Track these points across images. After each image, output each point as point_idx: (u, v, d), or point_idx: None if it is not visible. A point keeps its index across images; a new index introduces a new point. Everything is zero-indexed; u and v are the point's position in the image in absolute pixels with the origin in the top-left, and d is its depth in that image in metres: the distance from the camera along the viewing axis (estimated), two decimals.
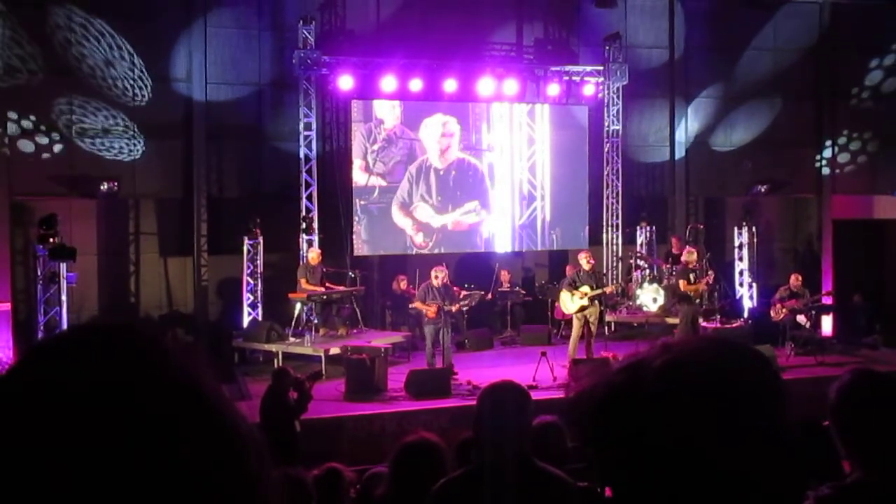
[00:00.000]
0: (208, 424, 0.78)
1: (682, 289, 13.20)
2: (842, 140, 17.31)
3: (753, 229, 16.31)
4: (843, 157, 17.31)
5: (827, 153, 17.28)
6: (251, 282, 14.18)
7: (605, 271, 16.02)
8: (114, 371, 0.77)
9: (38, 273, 12.24)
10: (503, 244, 15.84)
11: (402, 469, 3.68)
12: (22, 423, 0.74)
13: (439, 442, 3.81)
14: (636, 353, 1.05)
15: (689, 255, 13.39)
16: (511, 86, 15.48)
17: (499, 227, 15.74)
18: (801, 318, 13.69)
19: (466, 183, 15.46)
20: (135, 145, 14.30)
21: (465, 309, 13.73)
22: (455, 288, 12.98)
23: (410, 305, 13.15)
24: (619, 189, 16.49)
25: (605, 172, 16.45)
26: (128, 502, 0.72)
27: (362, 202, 14.85)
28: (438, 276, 12.18)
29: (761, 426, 0.98)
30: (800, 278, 14.07)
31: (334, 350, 12.54)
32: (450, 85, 15.08)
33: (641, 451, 0.97)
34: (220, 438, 0.79)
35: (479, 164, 15.52)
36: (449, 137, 15.25)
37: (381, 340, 12.81)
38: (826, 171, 17.25)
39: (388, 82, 14.74)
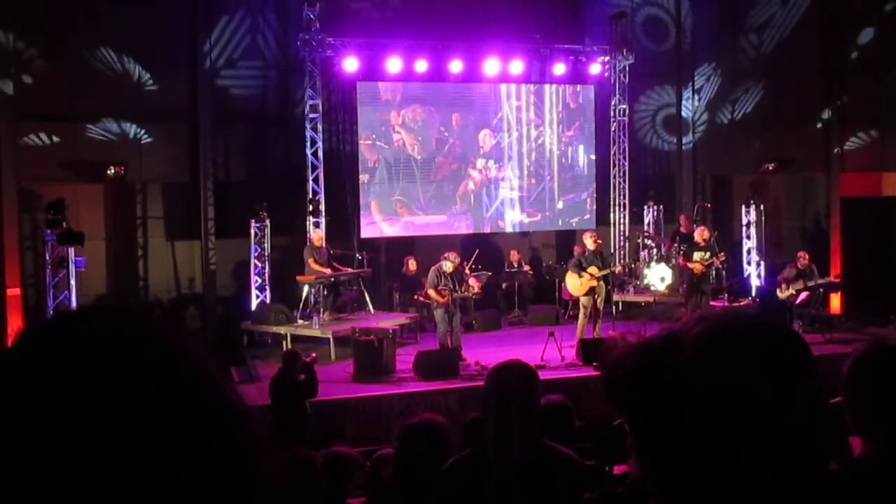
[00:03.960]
0: (197, 401, 0.79)
1: (681, 265, 13.36)
2: (850, 117, 17.16)
3: (761, 208, 16.24)
4: (851, 135, 17.18)
5: (835, 130, 17.15)
6: (259, 265, 14.22)
7: (612, 251, 16.01)
8: (100, 350, 0.78)
9: (47, 258, 12.28)
10: (511, 224, 15.83)
11: (406, 450, 3.69)
12: (9, 402, 0.75)
13: (443, 422, 3.82)
14: (672, 325, 1.06)
15: (701, 235, 13.41)
16: (517, 66, 15.41)
17: (507, 206, 15.72)
18: (801, 297, 13.66)
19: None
20: (141, 131, 14.32)
21: (474, 298, 13.74)
22: (467, 271, 12.95)
23: (419, 294, 13.12)
24: (626, 168, 16.44)
25: (612, 152, 16.40)
26: (115, 478, 0.73)
27: (369, 181, 14.83)
28: (450, 261, 12.11)
29: (793, 398, 0.99)
30: (807, 256, 14.01)
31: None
32: (455, 65, 15.02)
33: (674, 416, 0.98)
34: (209, 415, 0.79)
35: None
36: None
37: (389, 322, 12.83)
38: (834, 148, 17.13)
39: (394, 63, 14.68)
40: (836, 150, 17.08)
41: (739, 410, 0.96)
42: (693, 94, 17.08)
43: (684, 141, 17.14)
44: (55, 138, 13.79)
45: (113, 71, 14.04)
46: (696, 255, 13.22)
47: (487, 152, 15.54)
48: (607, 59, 16.00)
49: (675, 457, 0.99)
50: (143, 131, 14.34)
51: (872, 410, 2.20)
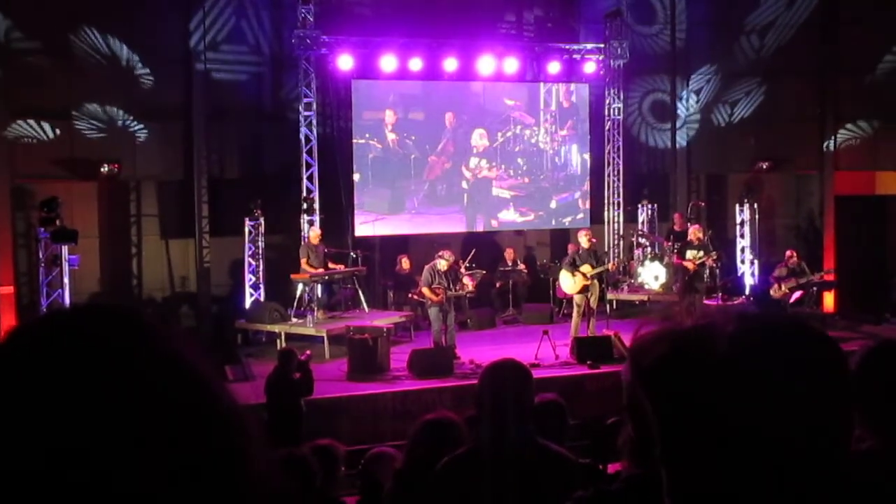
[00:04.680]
0: (190, 400, 0.79)
1: (675, 263, 13.38)
2: (844, 116, 17.19)
3: (755, 206, 16.27)
4: (845, 133, 17.21)
5: (829, 129, 17.18)
6: (253, 263, 14.20)
7: (606, 249, 16.02)
8: (92, 348, 0.78)
9: (41, 256, 12.24)
10: (506, 222, 15.84)
11: (421, 445, 3.69)
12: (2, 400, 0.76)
13: (458, 420, 3.83)
14: (707, 317, 1.05)
15: (695, 234, 13.43)
16: (512, 64, 15.41)
17: (500, 205, 15.72)
18: (794, 296, 13.69)
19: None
20: (135, 129, 14.29)
21: (468, 296, 13.75)
22: (462, 269, 12.95)
23: (413, 292, 13.12)
24: (621, 167, 16.45)
25: (607, 150, 16.42)
26: (105, 477, 0.73)
27: (362, 180, 14.82)
28: (445, 260, 12.08)
29: (825, 407, 0.98)
30: (795, 254, 14.04)
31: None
32: (450, 64, 15.01)
33: (703, 409, 0.98)
34: (202, 414, 0.79)
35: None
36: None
37: (384, 320, 12.83)
38: (828, 147, 17.16)
39: (388, 62, 14.67)
40: (828, 148, 17.10)
41: (770, 410, 0.96)
42: (688, 92, 17.09)
43: (678, 139, 17.16)
44: (49, 135, 13.75)
45: (107, 68, 14.00)
46: (690, 254, 13.25)
47: (481, 152, 15.53)
48: (602, 57, 16.02)
49: (699, 448, 0.99)
50: (137, 128, 14.31)
51: (878, 407, 2.24)
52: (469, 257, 13.77)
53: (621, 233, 16.66)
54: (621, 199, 16.56)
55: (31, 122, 13.60)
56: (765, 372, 0.98)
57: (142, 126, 14.31)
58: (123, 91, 14.12)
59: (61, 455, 0.73)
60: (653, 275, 15.58)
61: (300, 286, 13.37)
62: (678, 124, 17.15)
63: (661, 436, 1.03)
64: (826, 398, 1.00)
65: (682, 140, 17.17)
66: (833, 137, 17.07)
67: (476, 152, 15.51)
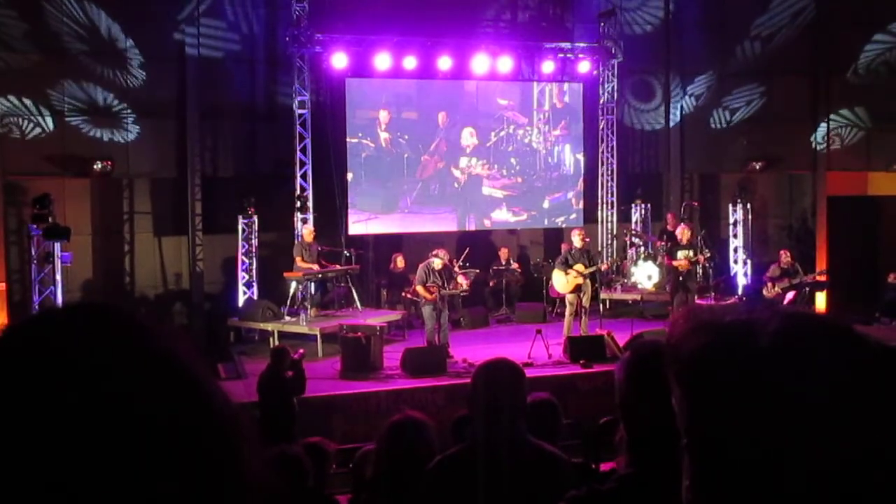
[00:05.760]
0: (183, 398, 0.79)
1: (665, 263, 13.49)
2: (837, 116, 17.24)
3: (748, 206, 16.31)
4: (838, 134, 17.25)
5: (822, 129, 17.23)
6: (246, 261, 14.18)
7: (599, 249, 16.05)
8: (85, 347, 0.78)
9: (33, 253, 12.20)
10: (499, 221, 15.84)
11: (389, 448, 3.69)
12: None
13: (426, 419, 3.83)
14: (750, 311, 1.03)
15: (683, 233, 13.45)
16: (505, 63, 15.41)
17: (493, 205, 15.72)
18: (788, 297, 13.72)
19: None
20: (128, 126, 14.24)
21: (462, 295, 13.75)
22: (456, 268, 12.95)
23: (407, 291, 13.11)
24: (615, 166, 16.48)
25: (600, 150, 16.44)
26: (96, 476, 0.73)
27: (356, 178, 14.81)
28: (439, 258, 12.06)
29: (868, 412, 0.95)
30: (789, 254, 14.06)
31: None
32: (444, 63, 15.01)
33: (734, 403, 0.96)
34: (195, 412, 0.79)
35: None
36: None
37: (377, 319, 12.82)
38: (821, 147, 17.21)
39: (382, 60, 14.66)
40: (820, 146, 17.15)
41: (806, 411, 0.95)
42: (681, 91, 17.12)
43: (672, 139, 17.19)
44: (41, 132, 13.69)
45: (101, 66, 13.95)
46: (680, 254, 13.27)
47: (474, 151, 15.53)
48: (596, 56, 16.02)
49: (728, 440, 0.98)
50: (130, 126, 14.26)
51: None
52: (463, 256, 13.77)
53: (615, 232, 16.69)
54: (615, 199, 16.59)
55: (23, 118, 13.52)
56: (805, 371, 0.97)
57: (135, 123, 14.25)
58: (117, 88, 14.06)
59: (54, 455, 0.73)
60: (646, 274, 15.61)
61: (294, 284, 13.35)
62: (672, 124, 17.17)
63: (688, 426, 1.02)
64: (862, 400, 0.98)
65: (675, 140, 17.19)
66: (826, 132, 17.10)
67: (468, 152, 15.52)
